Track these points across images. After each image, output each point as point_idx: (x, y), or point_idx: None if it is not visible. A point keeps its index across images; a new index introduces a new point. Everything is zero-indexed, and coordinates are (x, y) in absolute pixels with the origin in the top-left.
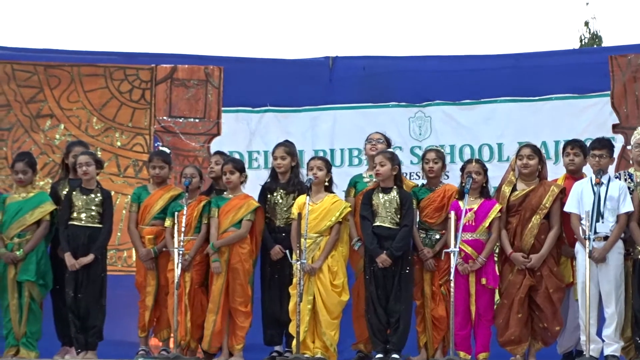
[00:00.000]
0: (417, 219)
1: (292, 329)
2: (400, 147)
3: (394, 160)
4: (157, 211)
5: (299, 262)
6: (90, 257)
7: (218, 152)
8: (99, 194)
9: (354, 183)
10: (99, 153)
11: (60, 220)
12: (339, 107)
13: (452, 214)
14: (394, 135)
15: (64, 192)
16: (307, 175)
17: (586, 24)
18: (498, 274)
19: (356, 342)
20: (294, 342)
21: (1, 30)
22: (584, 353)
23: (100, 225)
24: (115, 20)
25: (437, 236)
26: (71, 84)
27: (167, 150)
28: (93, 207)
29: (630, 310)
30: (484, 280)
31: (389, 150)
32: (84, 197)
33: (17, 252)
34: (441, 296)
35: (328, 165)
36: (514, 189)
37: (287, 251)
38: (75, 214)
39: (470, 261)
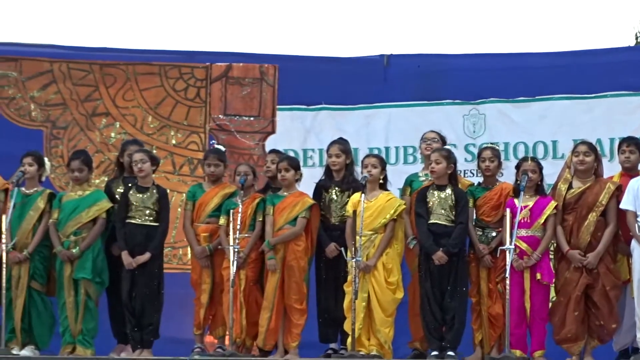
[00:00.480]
0: (474, 217)
1: (347, 326)
2: (455, 145)
3: (450, 158)
4: (212, 209)
5: (354, 260)
6: (147, 256)
7: (274, 151)
8: (155, 192)
9: (409, 182)
10: (154, 151)
11: (117, 218)
12: (393, 105)
13: (508, 212)
14: (449, 133)
15: (119, 191)
16: (362, 173)
17: None
18: (554, 271)
19: (412, 340)
20: (349, 339)
21: (56, 29)
22: None
23: (156, 224)
24: (171, 18)
25: (494, 234)
26: (126, 83)
27: (223, 149)
28: (149, 205)
29: None
30: (538, 276)
31: (446, 147)
32: (140, 195)
33: (74, 250)
34: (498, 294)
35: (383, 163)
36: (569, 187)
37: (342, 249)
38: (131, 213)
39: (525, 257)
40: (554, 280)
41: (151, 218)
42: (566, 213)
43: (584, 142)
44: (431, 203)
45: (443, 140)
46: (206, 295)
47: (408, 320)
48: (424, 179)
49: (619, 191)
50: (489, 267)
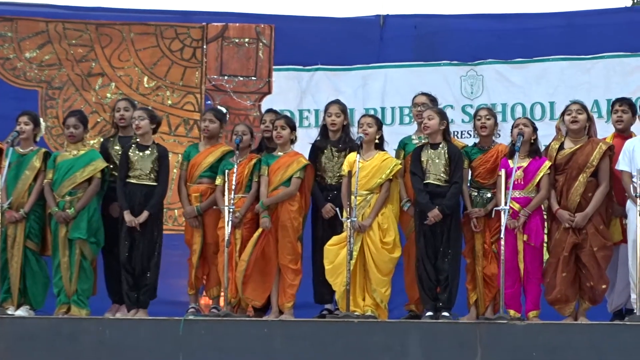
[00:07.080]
0: (469, 178)
1: (335, 285)
2: (452, 106)
3: (442, 114)
4: (205, 168)
5: (349, 220)
6: (145, 215)
7: (271, 110)
8: (155, 151)
9: (403, 145)
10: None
11: (118, 177)
12: (390, 66)
13: (502, 172)
14: (446, 94)
15: (116, 149)
16: (358, 132)
17: None
18: (546, 232)
19: (408, 303)
20: (340, 299)
21: None
22: (635, 311)
23: (155, 184)
24: None
25: (489, 195)
26: (122, 43)
27: (224, 110)
28: (149, 164)
29: None
30: (525, 237)
31: (437, 107)
32: (140, 153)
33: (69, 210)
34: (493, 254)
35: (378, 123)
36: (561, 147)
37: (338, 209)
38: (131, 172)
39: (517, 217)
40: (542, 241)
41: (151, 177)
42: (557, 174)
43: (575, 102)
44: (425, 162)
45: (434, 102)
46: (196, 256)
47: (404, 283)
48: (417, 141)
49: (611, 151)
50: (475, 231)
